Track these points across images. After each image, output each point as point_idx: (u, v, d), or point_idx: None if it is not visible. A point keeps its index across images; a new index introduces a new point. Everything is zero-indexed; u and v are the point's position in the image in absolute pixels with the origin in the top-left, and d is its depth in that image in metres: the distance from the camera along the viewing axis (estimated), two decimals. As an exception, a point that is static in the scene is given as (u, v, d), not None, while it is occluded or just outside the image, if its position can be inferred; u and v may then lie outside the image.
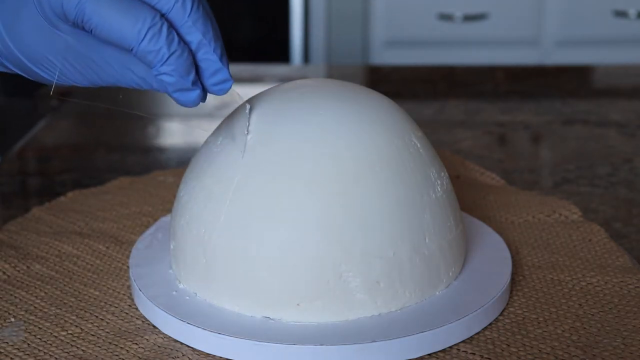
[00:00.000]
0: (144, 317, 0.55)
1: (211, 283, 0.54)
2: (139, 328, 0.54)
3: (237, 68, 1.37)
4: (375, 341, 0.50)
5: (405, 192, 0.53)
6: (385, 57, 2.12)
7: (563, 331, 0.53)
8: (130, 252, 0.62)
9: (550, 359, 0.51)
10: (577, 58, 2.01)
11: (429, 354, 0.51)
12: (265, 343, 0.50)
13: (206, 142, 0.58)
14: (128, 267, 0.60)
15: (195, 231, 0.54)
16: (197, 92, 0.49)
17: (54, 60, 0.49)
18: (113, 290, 0.59)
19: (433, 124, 1.03)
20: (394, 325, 0.51)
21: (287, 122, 0.54)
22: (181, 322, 0.52)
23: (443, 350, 0.51)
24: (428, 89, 1.22)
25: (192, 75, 0.48)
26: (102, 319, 0.55)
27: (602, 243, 0.65)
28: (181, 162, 0.91)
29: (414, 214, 0.53)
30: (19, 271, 0.61)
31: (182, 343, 0.52)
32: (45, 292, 0.58)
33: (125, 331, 0.54)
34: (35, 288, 0.59)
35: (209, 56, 0.49)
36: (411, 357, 0.51)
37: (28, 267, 0.62)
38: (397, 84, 1.23)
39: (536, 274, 0.60)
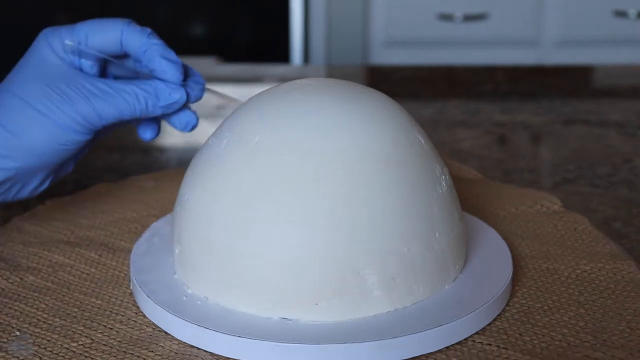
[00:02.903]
0: (153, 324, 0.54)
1: (224, 286, 0.53)
2: (150, 335, 0.53)
3: (237, 68, 1.37)
4: (396, 337, 0.50)
5: (415, 188, 0.54)
6: (385, 57, 2.12)
7: (569, 318, 0.54)
8: (124, 259, 0.62)
9: (563, 345, 0.51)
10: (577, 58, 2.01)
11: (446, 347, 0.52)
12: (289, 344, 0.49)
13: (208, 144, 0.58)
14: (125, 274, 0.60)
15: (205, 235, 0.54)
16: (180, 63, 0.59)
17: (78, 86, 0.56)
18: (115, 298, 0.58)
19: (433, 124, 1.03)
20: (412, 320, 0.52)
21: (294, 122, 0.54)
22: (198, 327, 0.51)
23: (459, 343, 0.52)
24: (428, 89, 1.22)
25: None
26: (110, 328, 0.54)
27: (588, 231, 0.66)
28: (181, 162, 0.91)
29: (424, 209, 0.54)
30: (12, 283, 0.59)
31: (198, 348, 0.51)
32: (46, 304, 0.57)
33: (137, 339, 0.53)
34: (34, 300, 0.57)
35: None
36: (430, 351, 0.51)
37: (21, 278, 0.60)
38: (397, 84, 1.23)
39: (531, 264, 0.61)
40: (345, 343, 0.49)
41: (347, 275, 0.51)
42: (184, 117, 0.60)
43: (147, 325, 0.54)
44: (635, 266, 0.60)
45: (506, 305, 0.56)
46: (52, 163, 0.57)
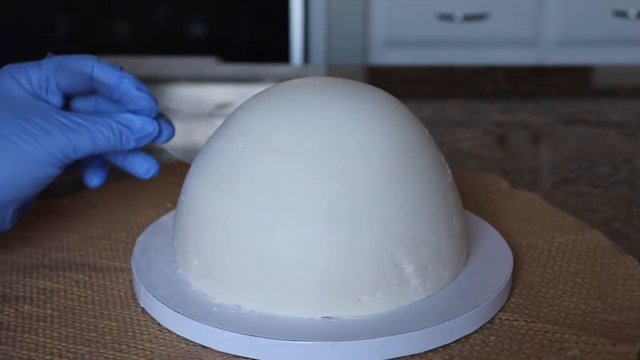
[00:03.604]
0: (185, 340, 0.52)
1: (258, 292, 0.52)
2: (188, 352, 0.51)
3: (237, 68, 1.37)
4: (442, 322, 0.51)
5: (434, 177, 0.55)
6: (385, 57, 2.12)
7: (571, 287, 0.58)
8: (117, 277, 0.60)
9: (579, 312, 0.55)
10: (577, 58, 2.01)
11: (480, 327, 0.53)
12: (347, 341, 0.49)
13: (216, 149, 0.56)
14: (125, 293, 0.58)
15: (234, 242, 0.52)
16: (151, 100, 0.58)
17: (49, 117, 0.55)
18: (130, 318, 0.55)
19: (433, 124, 1.03)
20: (448, 305, 0.53)
21: (314, 121, 0.54)
22: (246, 336, 0.50)
23: (489, 322, 0.54)
24: (428, 89, 1.22)
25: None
26: (142, 349, 0.51)
27: (544, 208, 0.70)
28: (181, 162, 0.90)
29: (443, 197, 0.55)
30: (9, 315, 0.55)
31: (245, 358, 0.50)
32: (59, 332, 0.53)
33: (176, 357, 0.51)
34: (44, 329, 0.54)
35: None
36: (469, 332, 0.53)
37: (16, 309, 0.56)
38: (397, 84, 1.23)
39: (511, 241, 0.64)
40: (396, 334, 0.50)
41: (387, 267, 0.52)
42: (146, 162, 0.60)
43: (178, 342, 0.52)
44: (601, 235, 0.65)
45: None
46: (22, 199, 0.55)
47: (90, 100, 0.61)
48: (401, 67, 1.55)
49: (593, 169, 0.87)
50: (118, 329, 0.54)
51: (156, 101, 0.58)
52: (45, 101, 0.57)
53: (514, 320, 0.54)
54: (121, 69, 0.58)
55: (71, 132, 0.55)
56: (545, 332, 0.52)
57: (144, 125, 0.58)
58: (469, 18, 2.09)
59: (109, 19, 2.13)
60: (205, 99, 1.16)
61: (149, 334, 0.53)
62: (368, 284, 0.52)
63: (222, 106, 1.11)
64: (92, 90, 0.59)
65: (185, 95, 1.20)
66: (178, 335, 0.53)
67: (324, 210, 0.51)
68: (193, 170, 0.57)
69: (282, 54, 2.13)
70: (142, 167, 0.60)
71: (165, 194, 0.73)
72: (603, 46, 2.06)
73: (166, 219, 0.65)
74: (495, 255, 0.60)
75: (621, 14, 2.07)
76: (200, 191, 0.55)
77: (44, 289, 0.59)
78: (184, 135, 1.05)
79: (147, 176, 0.61)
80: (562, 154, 0.93)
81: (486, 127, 1.02)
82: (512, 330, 0.53)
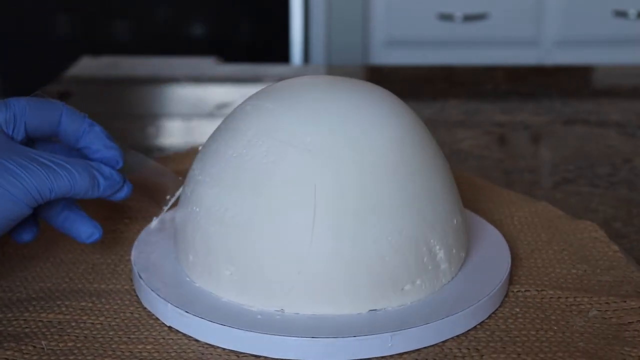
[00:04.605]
0: (235, 352, 0.51)
1: (303, 293, 0.52)
2: None
3: (237, 68, 1.37)
4: (480, 300, 0.53)
5: (444, 166, 0.57)
6: (385, 57, 2.12)
7: (554, 255, 0.61)
8: (121, 300, 0.57)
9: (574, 277, 0.58)
10: (577, 58, 2.01)
11: (502, 301, 0.55)
12: (407, 329, 0.50)
13: (235, 155, 0.54)
14: (141, 315, 0.55)
15: (276, 247, 0.52)
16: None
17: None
18: (162, 339, 0.52)
19: (433, 124, 1.03)
20: (477, 285, 0.55)
21: (335, 120, 0.54)
22: (306, 339, 0.49)
23: (506, 295, 0.56)
24: (428, 89, 1.22)
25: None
26: None
27: (487, 187, 0.73)
28: (181, 162, 0.90)
29: (452, 183, 0.58)
30: (30, 354, 0.51)
31: None
32: None
33: None
34: None
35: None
36: (497, 307, 0.55)
37: (34, 347, 0.51)
38: (397, 84, 1.23)
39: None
40: (446, 317, 0.51)
41: (425, 253, 0.53)
42: (89, 226, 0.57)
43: (228, 355, 0.51)
44: (550, 205, 0.68)
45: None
46: None
47: (47, 147, 0.58)
48: (401, 67, 1.55)
49: (593, 169, 0.87)
50: (158, 352, 0.51)
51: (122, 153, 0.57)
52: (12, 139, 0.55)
53: (525, 291, 0.56)
54: (88, 117, 0.57)
55: (51, 172, 0.53)
56: (559, 297, 0.55)
57: (111, 173, 0.56)
58: (469, 18, 2.09)
59: (109, 19, 2.13)
60: (205, 99, 1.16)
61: (193, 352, 0.51)
62: (410, 272, 0.53)
63: (222, 106, 1.11)
64: (54, 136, 0.57)
65: (185, 95, 1.20)
66: (224, 349, 0.51)
67: (362, 206, 0.52)
68: (205, 179, 0.55)
69: (282, 54, 2.14)
70: (85, 231, 0.57)
71: (116, 210, 0.68)
72: (603, 46, 2.06)
73: (145, 236, 0.62)
74: (487, 234, 0.62)
75: (621, 14, 2.07)
76: (223, 199, 0.54)
77: (49, 321, 0.54)
78: (183, 136, 1.05)
79: (89, 241, 0.58)
80: (562, 154, 0.93)
81: (486, 127, 1.02)
82: (528, 300, 0.55)
